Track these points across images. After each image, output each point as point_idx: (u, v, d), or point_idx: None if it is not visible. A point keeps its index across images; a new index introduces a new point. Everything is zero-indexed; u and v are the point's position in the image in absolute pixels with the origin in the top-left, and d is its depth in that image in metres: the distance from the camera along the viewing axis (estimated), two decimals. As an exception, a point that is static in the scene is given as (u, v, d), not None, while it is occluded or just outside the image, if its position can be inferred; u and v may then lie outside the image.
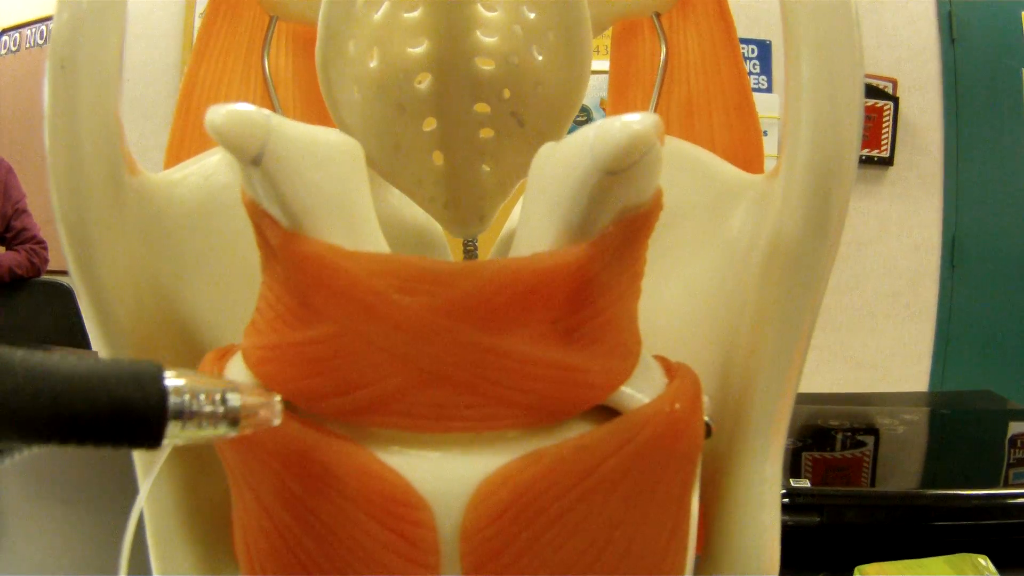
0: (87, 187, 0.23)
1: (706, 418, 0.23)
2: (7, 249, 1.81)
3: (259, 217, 0.21)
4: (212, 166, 0.29)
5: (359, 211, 0.22)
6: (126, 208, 0.25)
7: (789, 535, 0.26)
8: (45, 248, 1.83)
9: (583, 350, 0.21)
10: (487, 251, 0.36)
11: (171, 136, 0.33)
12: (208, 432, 0.18)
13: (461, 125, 0.30)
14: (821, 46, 0.22)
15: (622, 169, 0.18)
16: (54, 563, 0.50)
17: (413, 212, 0.35)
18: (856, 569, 0.43)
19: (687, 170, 0.30)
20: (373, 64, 0.28)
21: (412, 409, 0.20)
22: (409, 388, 0.20)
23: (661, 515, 0.22)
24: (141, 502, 0.19)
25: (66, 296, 1.73)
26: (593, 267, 0.20)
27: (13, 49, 2.88)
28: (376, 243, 0.22)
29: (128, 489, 0.26)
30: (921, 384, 2.13)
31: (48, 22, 2.78)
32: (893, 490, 0.56)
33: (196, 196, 0.28)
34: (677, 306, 0.29)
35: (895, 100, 2.08)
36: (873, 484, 0.59)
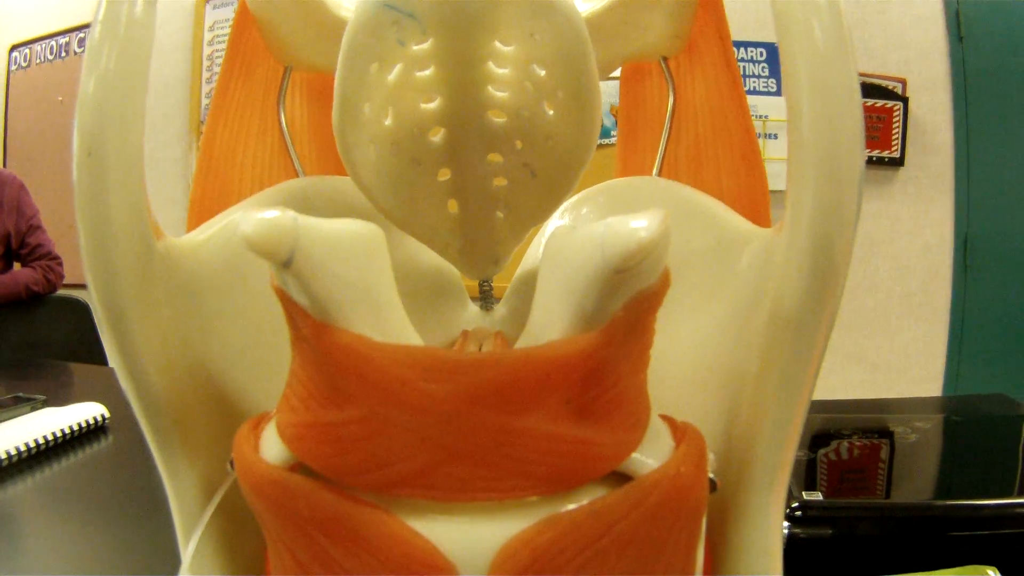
0: (119, 265, 0.24)
1: (711, 475, 0.24)
2: (23, 266, 1.83)
3: (289, 305, 0.21)
4: (235, 224, 0.30)
5: (385, 300, 0.23)
6: (155, 278, 0.26)
7: (801, 548, 0.27)
8: (60, 264, 1.84)
9: (595, 424, 0.22)
10: (502, 291, 0.37)
11: (192, 195, 0.34)
12: None
13: (475, 174, 0.31)
14: (821, 117, 0.22)
15: (631, 268, 0.19)
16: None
17: (429, 256, 0.36)
18: (869, 582, 0.44)
19: (694, 217, 0.30)
20: (388, 122, 0.29)
21: (437, 482, 0.21)
22: (434, 465, 0.21)
23: (669, 570, 0.23)
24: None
25: (82, 311, 1.75)
26: (605, 351, 0.21)
27: (23, 65, 2.90)
28: (403, 331, 0.23)
29: (148, 509, 0.26)
30: (935, 385, 2.12)
31: (57, 37, 2.80)
32: (905, 501, 0.55)
33: (221, 256, 0.29)
34: (682, 355, 0.30)
35: (904, 100, 2.07)
36: (888, 494, 0.59)
